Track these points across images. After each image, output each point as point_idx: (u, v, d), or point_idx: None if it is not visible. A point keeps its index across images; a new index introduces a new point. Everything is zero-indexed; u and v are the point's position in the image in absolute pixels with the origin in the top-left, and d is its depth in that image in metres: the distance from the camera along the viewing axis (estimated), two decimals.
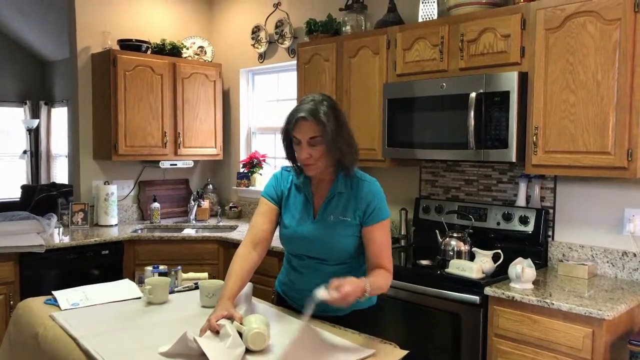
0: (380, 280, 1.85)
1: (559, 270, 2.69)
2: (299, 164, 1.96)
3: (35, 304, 2.11)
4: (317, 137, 1.83)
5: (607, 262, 2.67)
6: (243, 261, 1.90)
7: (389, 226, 1.95)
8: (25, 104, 8.68)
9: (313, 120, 1.82)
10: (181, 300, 2.16)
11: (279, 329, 1.79)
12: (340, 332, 1.80)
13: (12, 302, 3.23)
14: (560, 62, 2.47)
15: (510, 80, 2.58)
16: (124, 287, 2.28)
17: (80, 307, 2.04)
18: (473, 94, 2.66)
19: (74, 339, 1.72)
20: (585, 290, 2.40)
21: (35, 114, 8.71)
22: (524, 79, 2.59)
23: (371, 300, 2.01)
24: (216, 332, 1.57)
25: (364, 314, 1.99)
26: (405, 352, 1.66)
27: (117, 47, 4.16)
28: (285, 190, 2.03)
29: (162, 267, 2.33)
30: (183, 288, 2.32)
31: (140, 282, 2.38)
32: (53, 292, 2.17)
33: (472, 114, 2.65)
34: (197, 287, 2.34)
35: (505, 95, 2.59)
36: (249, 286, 2.00)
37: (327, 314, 1.92)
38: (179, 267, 2.38)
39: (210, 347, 1.50)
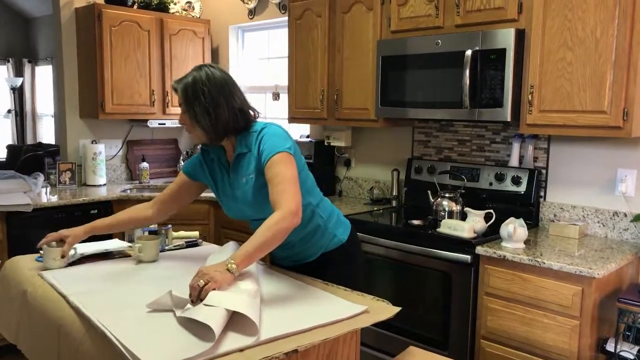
0: (260, 236, 1.63)
1: (550, 230, 2.70)
2: None
3: (23, 262, 2.09)
4: (181, 105, 1.89)
5: (598, 222, 2.68)
6: (136, 209, 2.16)
7: (287, 159, 1.78)
8: (8, 61, 8.46)
9: (177, 91, 1.88)
10: (171, 259, 2.14)
11: (271, 286, 1.79)
12: (333, 289, 1.80)
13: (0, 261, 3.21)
14: (559, 19, 2.41)
15: (506, 38, 2.52)
16: (114, 246, 2.26)
17: (69, 265, 2.02)
18: (469, 52, 2.60)
19: (64, 297, 1.70)
20: (575, 250, 2.41)
21: (18, 72, 8.50)
22: (520, 36, 2.53)
23: (339, 239, 2.04)
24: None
25: (333, 254, 2.03)
26: (397, 309, 1.66)
27: (101, 1, 4.02)
28: (205, 164, 2.03)
29: (152, 226, 2.30)
30: (173, 247, 2.30)
31: (130, 241, 2.36)
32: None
33: (467, 72, 2.60)
34: (188, 246, 2.32)
35: (502, 52, 2.54)
36: (234, 244, 1.98)
37: (298, 263, 2.03)
38: (169, 226, 2.35)
39: (196, 311, 1.47)
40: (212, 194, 3.78)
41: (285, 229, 1.67)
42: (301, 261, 2.04)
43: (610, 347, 2.23)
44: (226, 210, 2.05)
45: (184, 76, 1.88)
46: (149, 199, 3.70)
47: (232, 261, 1.59)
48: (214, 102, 1.83)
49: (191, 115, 1.86)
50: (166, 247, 2.28)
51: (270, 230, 1.64)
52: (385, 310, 1.66)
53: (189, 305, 1.52)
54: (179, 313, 1.51)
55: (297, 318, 1.54)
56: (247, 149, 1.88)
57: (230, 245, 1.98)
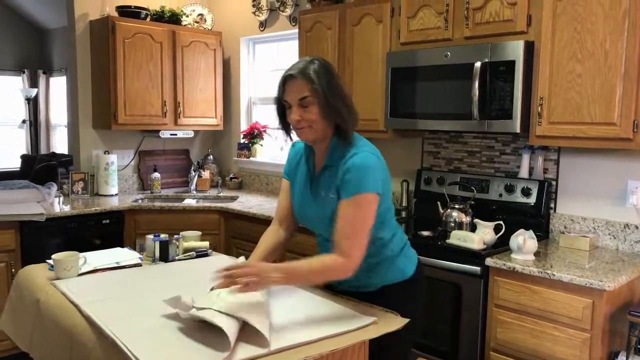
0: (313, 267, 1.63)
1: (560, 242, 2.69)
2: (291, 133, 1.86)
3: (35, 271, 2.12)
4: (308, 96, 1.69)
5: (609, 234, 2.67)
6: (270, 235, 1.95)
7: (366, 205, 1.67)
8: (24, 72, 8.59)
9: (302, 78, 1.69)
10: (182, 269, 2.17)
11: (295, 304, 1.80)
12: (342, 300, 1.81)
13: (13, 270, 3.25)
14: (568, 31, 2.42)
15: (516, 50, 2.53)
16: (124, 258, 2.28)
17: (81, 273, 2.05)
18: (478, 64, 2.61)
19: (75, 305, 1.72)
20: (586, 262, 2.40)
21: (33, 83, 8.63)
22: (530, 49, 2.54)
23: (404, 274, 1.86)
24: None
25: (394, 288, 1.85)
26: (406, 320, 1.66)
27: (115, 14, 4.09)
28: (294, 162, 1.95)
29: (163, 236, 2.32)
30: (184, 257, 2.32)
31: (142, 250, 2.39)
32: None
33: (476, 83, 2.61)
34: (198, 256, 2.34)
35: (511, 65, 2.55)
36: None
37: (356, 290, 1.88)
38: (180, 236, 2.37)
39: (211, 315, 1.49)
40: (221, 204, 3.84)
41: (335, 277, 1.72)
42: (359, 289, 1.87)
43: None
44: (295, 212, 1.93)
45: (299, 63, 1.74)
46: (160, 209, 3.78)
47: (281, 274, 1.61)
48: (336, 86, 1.74)
49: (322, 103, 1.70)
50: (176, 257, 2.30)
51: (324, 274, 1.68)
52: (394, 321, 1.67)
53: (204, 307, 1.53)
54: (193, 311, 1.52)
55: (306, 328, 1.55)
56: (335, 163, 1.74)
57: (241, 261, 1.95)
